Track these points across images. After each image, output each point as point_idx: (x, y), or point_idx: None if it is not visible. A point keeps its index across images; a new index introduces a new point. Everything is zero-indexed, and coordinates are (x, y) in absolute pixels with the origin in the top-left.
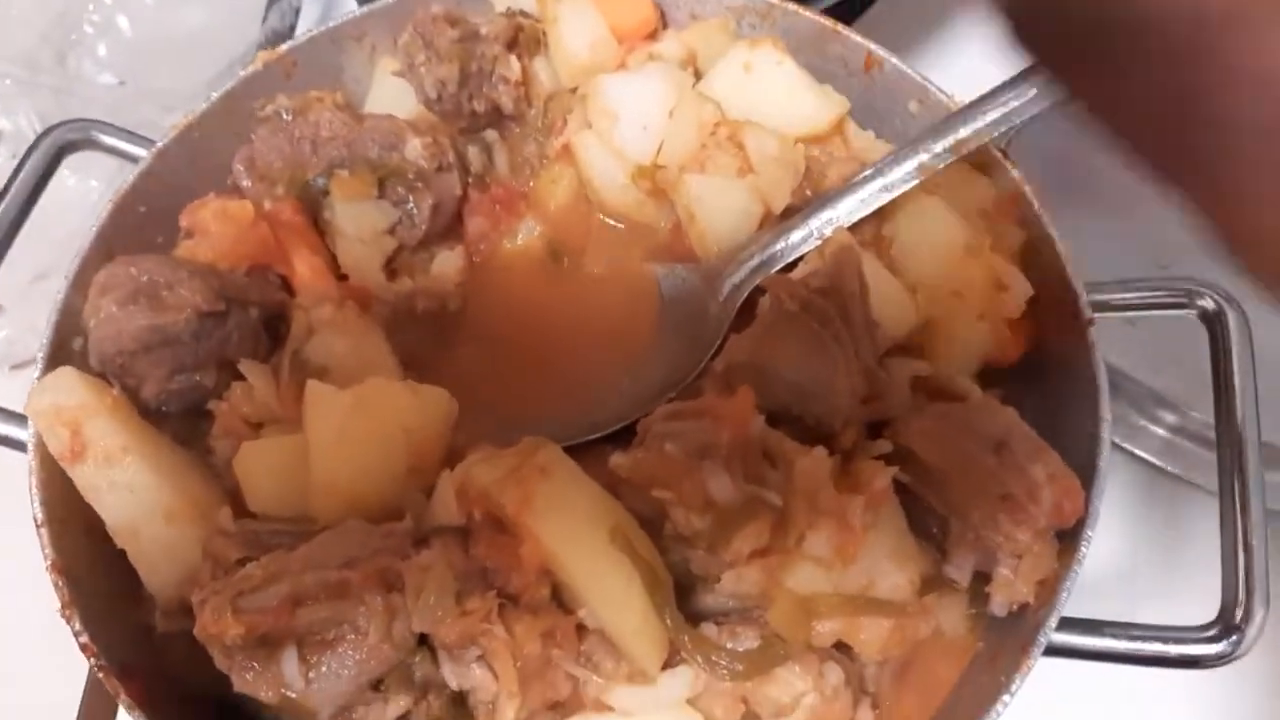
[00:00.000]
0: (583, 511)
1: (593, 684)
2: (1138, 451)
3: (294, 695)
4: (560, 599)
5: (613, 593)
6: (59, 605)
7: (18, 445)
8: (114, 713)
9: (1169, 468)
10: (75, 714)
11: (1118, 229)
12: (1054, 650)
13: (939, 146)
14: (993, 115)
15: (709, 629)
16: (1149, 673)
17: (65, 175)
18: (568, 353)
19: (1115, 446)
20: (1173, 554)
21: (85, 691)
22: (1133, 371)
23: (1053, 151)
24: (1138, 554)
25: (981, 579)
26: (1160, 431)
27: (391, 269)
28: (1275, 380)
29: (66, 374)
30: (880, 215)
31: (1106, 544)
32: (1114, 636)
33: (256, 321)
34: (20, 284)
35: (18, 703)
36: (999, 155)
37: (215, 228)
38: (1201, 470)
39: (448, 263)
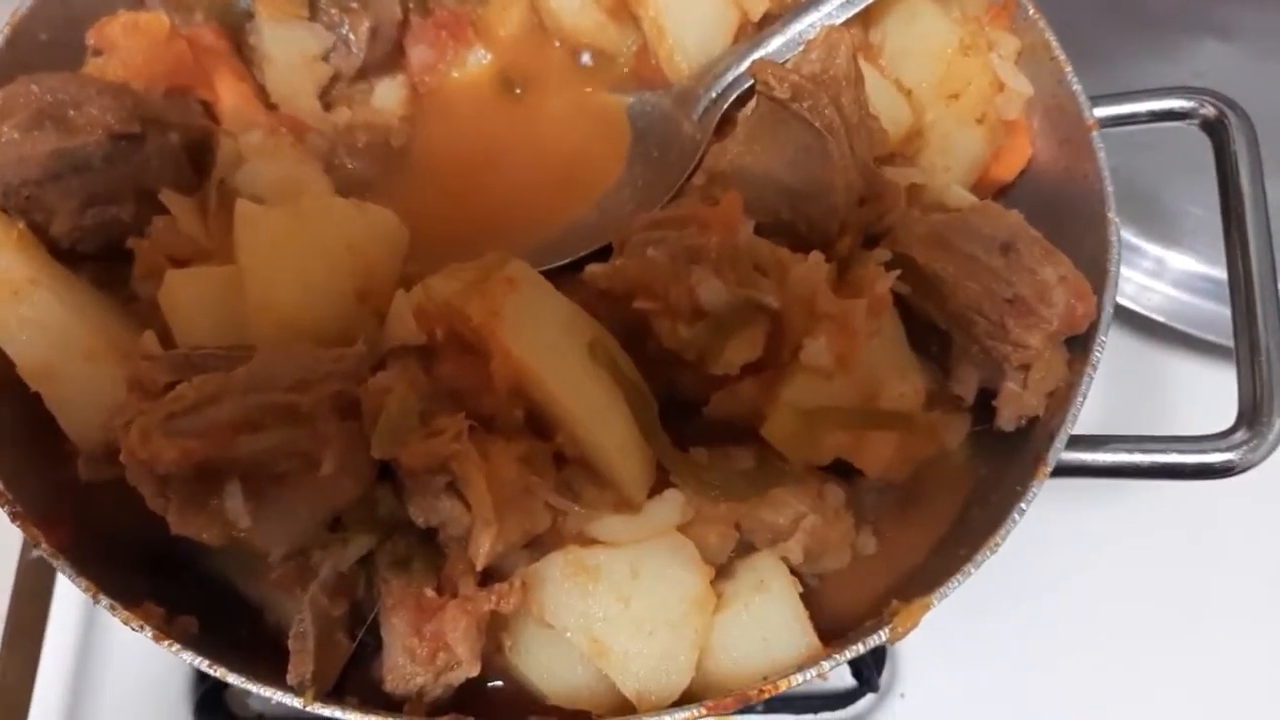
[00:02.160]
0: (557, 323)
1: (574, 515)
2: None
3: (240, 534)
4: (535, 427)
5: (594, 407)
6: None
7: None
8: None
9: (1150, 313)
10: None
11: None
12: (1063, 470)
13: None
14: None
15: (699, 454)
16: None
17: None
18: (528, 190)
19: None
20: (1153, 402)
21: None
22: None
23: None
24: (1118, 406)
25: (985, 404)
26: (1138, 276)
27: (327, 102)
28: None
29: None
30: (867, 20)
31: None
32: (1127, 450)
33: (177, 148)
34: None
35: None
36: None
37: (125, 42)
38: (1182, 315)
39: (390, 93)
